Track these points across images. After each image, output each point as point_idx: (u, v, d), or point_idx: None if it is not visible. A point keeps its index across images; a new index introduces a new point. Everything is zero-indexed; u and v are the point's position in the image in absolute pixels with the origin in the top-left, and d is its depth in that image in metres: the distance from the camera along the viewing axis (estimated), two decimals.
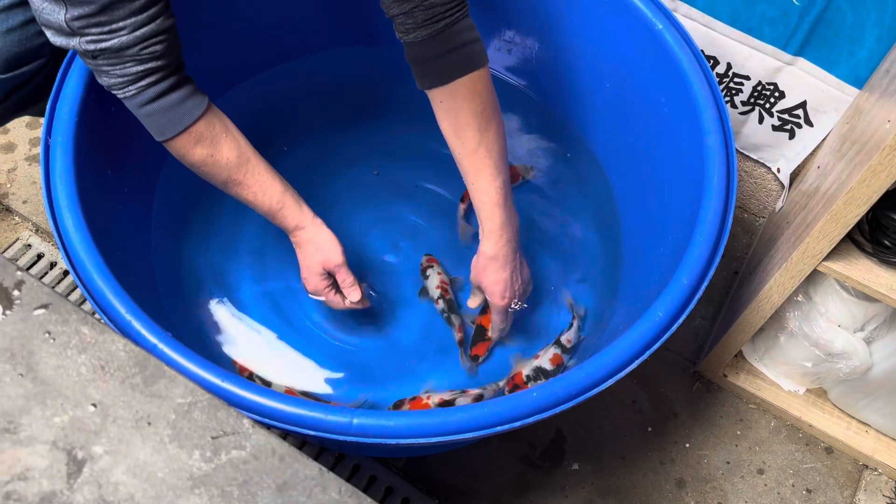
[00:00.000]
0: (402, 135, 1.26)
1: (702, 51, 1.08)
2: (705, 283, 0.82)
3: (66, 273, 1.27)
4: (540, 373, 1.01)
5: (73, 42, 0.74)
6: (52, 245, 1.30)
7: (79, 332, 0.46)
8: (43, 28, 0.75)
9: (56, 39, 0.75)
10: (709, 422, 1.23)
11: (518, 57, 1.26)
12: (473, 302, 1.05)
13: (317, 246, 0.95)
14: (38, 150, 1.40)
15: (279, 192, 0.92)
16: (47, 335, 0.46)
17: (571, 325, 1.07)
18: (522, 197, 1.21)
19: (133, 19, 0.73)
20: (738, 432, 1.22)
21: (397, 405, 1.00)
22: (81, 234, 0.79)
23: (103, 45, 0.74)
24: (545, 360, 1.02)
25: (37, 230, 1.32)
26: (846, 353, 1.08)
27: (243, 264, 1.12)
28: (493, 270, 0.97)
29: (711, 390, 1.25)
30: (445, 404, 0.97)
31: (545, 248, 1.18)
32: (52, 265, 1.28)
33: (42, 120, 0.90)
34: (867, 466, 1.21)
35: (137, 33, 0.74)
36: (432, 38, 0.85)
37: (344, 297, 0.99)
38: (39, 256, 1.29)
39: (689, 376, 1.26)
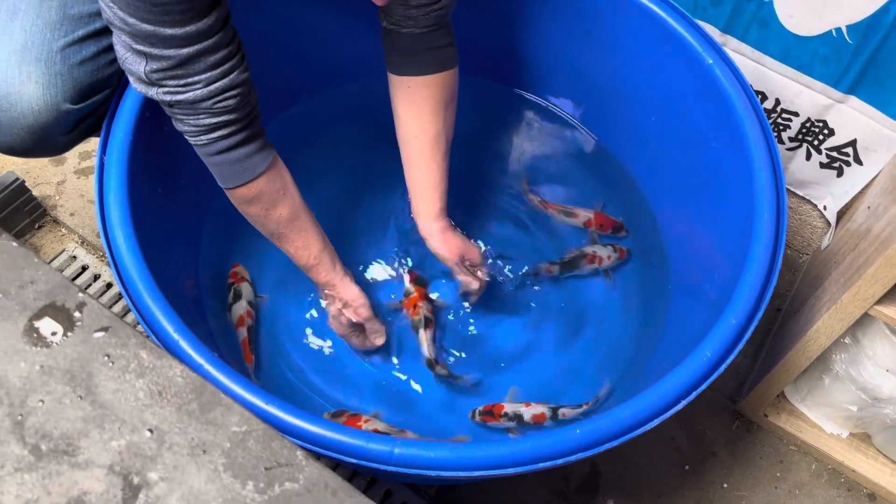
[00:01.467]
0: None
1: (750, 86, 1.07)
2: (754, 324, 0.81)
3: (109, 286, 1.29)
4: (517, 418, 1.00)
5: (152, 92, 0.77)
6: (97, 258, 1.32)
7: (137, 356, 0.47)
8: (127, 74, 0.79)
9: (137, 86, 0.78)
10: (748, 462, 1.20)
11: (565, 89, 1.26)
12: (466, 283, 1.05)
13: (345, 303, 1.01)
14: (87, 163, 1.44)
15: (318, 250, 0.97)
16: (106, 358, 0.47)
17: (580, 406, 1.01)
18: (567, 230, 1.21)
19: (208, 74, 0.75)
20: (778, 474, 1.20)
21: (336, 414, 1.00)
22: (133, 251, 0.80)
23: (179, 97, 0.77)
24: (529, 412, 1.00)
25: (82, 242, 1.34)
26: (894, 399, 1.05)
27: (288, 288, 1.13)
28: (456, 235, 1.04)
29: (751, 430, 1.23)
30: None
31: (588, 285, 1.17)
32: (96, 277, 1.30)
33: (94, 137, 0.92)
34: None
35: (211, 87, 0.76)
36: (423, 36, 0.93)
37: (365, 339, 1.05)
38: (84, 268, 1.31)
39: (729, 415, 1.24)
